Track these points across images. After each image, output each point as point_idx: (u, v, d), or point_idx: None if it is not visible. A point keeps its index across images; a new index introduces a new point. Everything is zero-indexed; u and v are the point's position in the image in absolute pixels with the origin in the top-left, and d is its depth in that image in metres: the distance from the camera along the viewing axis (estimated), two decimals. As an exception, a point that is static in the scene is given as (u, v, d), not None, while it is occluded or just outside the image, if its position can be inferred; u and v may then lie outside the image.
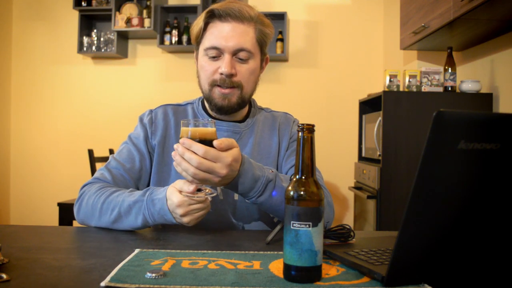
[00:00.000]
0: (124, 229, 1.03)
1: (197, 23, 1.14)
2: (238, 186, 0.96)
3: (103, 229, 1.06)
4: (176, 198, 0.93)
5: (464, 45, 2.55)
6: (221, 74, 1.10)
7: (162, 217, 0.98)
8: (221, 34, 1.09)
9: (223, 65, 1.09)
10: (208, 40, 1.11)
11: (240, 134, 1.19)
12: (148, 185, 1.18)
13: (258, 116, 1.26)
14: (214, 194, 0.96)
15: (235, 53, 1.10)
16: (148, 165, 1.17)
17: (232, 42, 1.09)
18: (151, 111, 1.22)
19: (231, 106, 1.13)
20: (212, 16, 1.11)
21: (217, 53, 1.11)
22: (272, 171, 1.02)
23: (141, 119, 1.21)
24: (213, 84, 1.12)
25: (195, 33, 1.15)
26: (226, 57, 1.09)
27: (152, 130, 1.18)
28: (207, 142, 0.90)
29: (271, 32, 1.18)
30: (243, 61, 1.11)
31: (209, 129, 0.92)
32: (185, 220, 0.95)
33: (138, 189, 1.15)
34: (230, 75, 1.10)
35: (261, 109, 1.30)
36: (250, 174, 0.96)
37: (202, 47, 1.13)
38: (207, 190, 0.95)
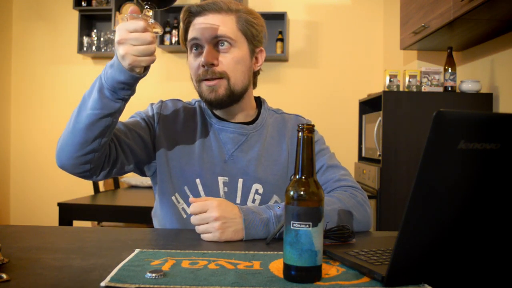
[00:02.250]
0: (87, 119, 0.94)
1: (181, 26, 1.15)
2: (254, 237, 0.94)
3: (103, 229, 1.06)
4: (118, 24, 0.89)
5: (464, 45, 2.55)
6: (203, 66, 1.08)
7: (112, 67, 0.91)
8: (198, 26, 1.09)
9: (203, 56, 1.08)
10: (189, 36, 1.12)
11: (246, 136, 1.16)
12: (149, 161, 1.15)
13: (268, 118, 1.22)
14: (158, 32, 0.91)
15: (214, 42, 1.09)
16: (148, 135, 1.13)
17: (209, 32, 1.08)
18: (161, 101, 1.21)
19: (219, 98, 1.09)
20: (190, 15, 1.12)
21: (198, 46, 1.10)
22: (279, 207, 0.98)
23: (151, 104, 1.20)
24: (200, 80, 1.10)
25: (181, 36, 1.15)
26: (206, 47, 1.08)
27: (159, 117, 1.16)
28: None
29: (258, 22, 1.15)
30: (226, 49, 1.09)
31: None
32: (120, 50, 0.87)
33: (134, 154, 1.10)
34: (211, 65, 1.07)
35: (272, 110, 1.26)
36: (257, 221, 0.94)
37: (188, 45, 1.13)
38: (152, 25, 0.89)
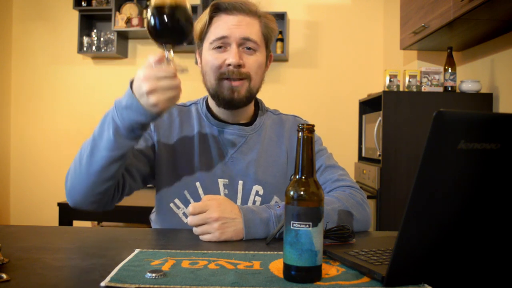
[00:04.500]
0: (103, 160, 0.94)
1: (201, 19, 1.13)
2: (254, 237, 0.94)
3: (103, 229, 1.06)
4: (142, 71, 0.87)
5: (464, 45, 2.55)
6: (229, 65, 1.07)
7: (130, 109, 0.89)
8: (227, 25, 1.09)
9: (231, 56, 1.07)
10: (214, 32, 1.10)
11: (245, 138, 1.16)
12: (152, 174, 1.14)
13: (266, 119, 1.21)
14: (185, 71, 0.90)
15: (241, 43, 1.09)
16: (148, 148, 1.12)
17: (239, 32, 1.08)
18: None
19: (241, 99, 1.09)
20: (217, 10, 1.11)
21: (223, 44, 1.09)
22: (279, 206, 0.98)
23: None
24: (221, 78, 1.09)
25: (199, 28, 1.13)
26: (233, 47, 1.08)
27: (155, 125, 1.14)
28: (178, 6, 0.88)
29: (276, 28, 1.17)
30: (250, 51, 1.10)
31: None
32: (152, 99, 0.86)
33: (138, 170, 1.10)
34: (238, 66, 1.07)
35: (269, 111, 1.25)
36: (257, 220, 0.94)
37: (207, 41, 1.12)
38: (177, 65, 0.89)
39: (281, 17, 3.51)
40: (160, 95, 0.86)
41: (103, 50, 3.73)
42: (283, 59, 3.69)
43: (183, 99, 1.28)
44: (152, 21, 0.88)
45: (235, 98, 1.09)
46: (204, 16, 1.12)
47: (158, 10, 0.88)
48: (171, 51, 0.90)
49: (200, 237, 0.93)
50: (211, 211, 0.92)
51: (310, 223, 0.67)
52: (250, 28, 1.10)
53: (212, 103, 1.18)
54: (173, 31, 0.89)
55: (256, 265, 0.75)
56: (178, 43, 0.91)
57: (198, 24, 1.13)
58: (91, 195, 0.99)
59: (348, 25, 3.68)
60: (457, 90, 2.45)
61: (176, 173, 1.12)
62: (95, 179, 0.96)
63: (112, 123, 0.92)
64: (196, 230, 0.94)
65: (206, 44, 1.12)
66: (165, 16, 0.88)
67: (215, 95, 1.12)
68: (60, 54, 3.90)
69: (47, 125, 3.91)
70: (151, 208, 1.24)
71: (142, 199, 2.67)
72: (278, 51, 3.57)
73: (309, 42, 3.73)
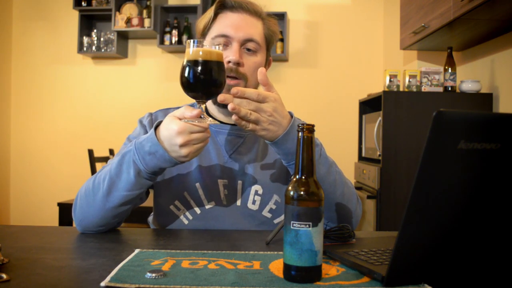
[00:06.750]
0: (122, 199, 0.97)
1: (205, 15, 1.13)
2: (288, 142, 0.95)
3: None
4: (176, 125, 0.88)
5: (464, 45, 2.55)
6: (228, 62, 1.07)
7: (154, 155, 0.92)
8: (231, 23, 1.09)
9: (231, 54, 1.07)
10: (217, 29, 1.10)
11: (243, 138, 1.16)
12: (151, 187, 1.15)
13: None
14: (217, 123, 0.93)
15: (243, 43, 1.09)
16: None
17: (242, 31, 1.08)
18: (150, 114, 1.19)
19: None
20: (222, 7, 1.11)
21: (225, 42, 1.09)
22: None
23: (140, 121, 1.18)
24: None
25: (203, 24, 1.13)
26: (234, 45, 1.07)
27: None
28: (213, 62, 0.89)
29: (277, 32, 1.17)
30: (251, 52, 1.10)
31: (218, 51, 0.90)
32: (184, 151, 0.89)
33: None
34: (237, 64, 1.07)
35: None
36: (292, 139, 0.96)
37: (209, 37, 1.12)
38: (208, 119, 0.91)
39: (281, 17, 3.51)
40: (190, 147, 0.90)
41: (103, 50, 3.73)
42: (283, 59, 3.69)
43: (182, 99, 1.28)
44: (186, 75, 0.88)
45: None
46: (209, 12, 1.13)
47: (193, 65, 0.88)
48: (204, 104, 0.92)
49: (241, 122, 0.91)
50: (271, 102, 0.92)
51: (310, 223, 0.67)
52: (254, 29, 1.10)
53: (209, 103, 1.18)
54: (208, 87, 0.89)
55: (256, 265, 0.75)
56: (212, 98, 0.92)
57: (202, 20, 1.13)
58: (103, 224, 1.02)
59: (348, 25, 3.69)
60: (457, 90, 2.45)
61: (176, 175, 1.12)
62: (110, 214, 1.00)
63: (133, 165, 0.95)
64: (247, 117, 0.91)
65: (208, 40, 1.12)
66: (199, 72, 0.88)
67: None
68: (60, 54, 3.90)
69: (47, 125, 3.92)
70: (151, 208, 1.24)
71: (142, 199, 2.67)
72: (278, 51, 3.57)
73: (309, 42, 3.73)
